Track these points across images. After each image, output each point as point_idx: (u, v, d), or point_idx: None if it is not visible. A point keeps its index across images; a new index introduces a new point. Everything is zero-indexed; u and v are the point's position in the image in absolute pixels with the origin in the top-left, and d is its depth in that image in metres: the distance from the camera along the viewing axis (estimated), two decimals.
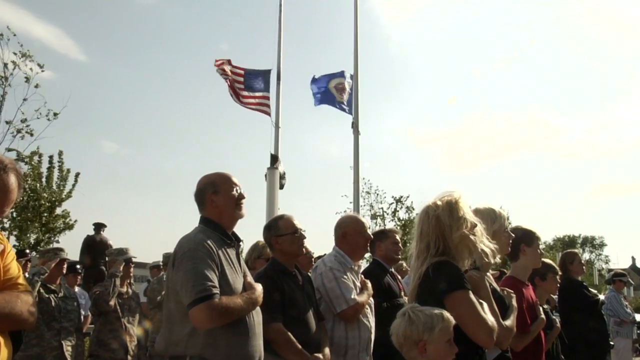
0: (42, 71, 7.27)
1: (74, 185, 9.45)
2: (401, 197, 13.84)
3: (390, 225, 13.16)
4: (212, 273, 1.57)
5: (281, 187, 6.17)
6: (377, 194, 13.94)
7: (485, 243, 1.62)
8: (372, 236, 2.63)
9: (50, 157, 9.03)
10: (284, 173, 6.31)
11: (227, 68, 6.97)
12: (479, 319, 1.46)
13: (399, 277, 3.08)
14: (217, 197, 1.78)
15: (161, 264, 5.26)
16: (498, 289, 1.88)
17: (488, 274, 1.87)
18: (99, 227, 6.79)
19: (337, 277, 2.32)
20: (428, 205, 1.63)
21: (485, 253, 1.61)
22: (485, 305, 1.55)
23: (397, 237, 2.99)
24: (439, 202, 1.61)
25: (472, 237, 1.57)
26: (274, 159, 6.48)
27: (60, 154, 9.17)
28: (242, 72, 7.09)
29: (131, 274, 3.63)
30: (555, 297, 4.15)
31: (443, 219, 1.57)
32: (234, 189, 1.81)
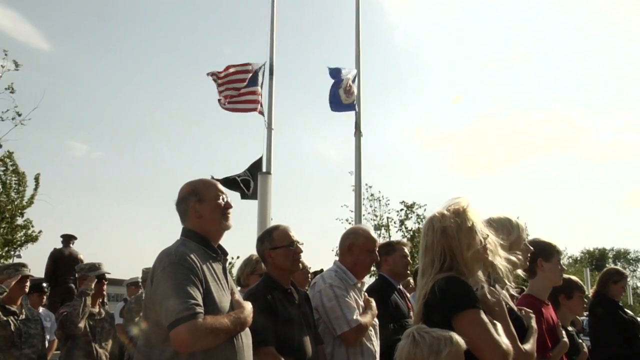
0: (17, 69, 7.30)
1: (35, 190, 9.37)
2: (413, 203, 13.78)
3: (396, 236, 13.17)
4: (196, 290, 1.59)
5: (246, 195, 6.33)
6: (380, 202, 13.94)
7: (500, 255, 1.65)
8: (378, 257, 2.66)
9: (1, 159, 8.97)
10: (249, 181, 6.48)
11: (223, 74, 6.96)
12: (491, 342, 1.48)
13: (408, 294, 3.11)
14: (201, 206, 1.80)
15: (140, 280, 5.27)
16: (515, 308, 1.91)
17: (504, 291, 1.90)
18: (67, 239, 6.79)
19: (337, 295, 2.35)
20: (433, 215, 1.66)
21: (499, 268, 1.64)
22: (499, 326, 1.57)
23: (406, 249, 3.02)
24: (445, 212, 1.63)
25: (484, 249, 1.60)
26: (258, 163, 6.56)
27: (9, 154, 9.08)
28: (241, 69, 7.08)
29: (104, 292, 3.64)
30: (582, 318, 4.16)
31: (450, 231, 1.60)
32: (220, 197, 1.84)
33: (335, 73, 7.33)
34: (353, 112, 7.47)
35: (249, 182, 6.62)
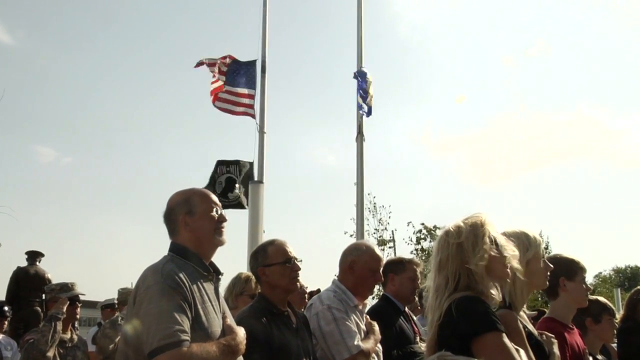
0: None
1: None
2: (435, 227, 13.98)
3: (404, 254, 13.24)
4: (182, 314, 1.61)
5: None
6: (381, 218, 14.06)
7: (522, 273, 1.69)
8: (382, 275, 2.68)
9: None
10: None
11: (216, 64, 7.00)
12: None
13: (414, 317, 3.12)
14: (192, 219, 1.83)
15: (116, 302, 5.25)
16: (535, 332, 1.94)
17: (522, 313, 1.94)
18: (33, 256, 6.77)
19: (336, 318, 2.37)
20: (448, 230, 1.71)
21: (519, 288, 1.67)
22: (522, 352, 1.60)
23: (418, 271, 3.00)
24: (462, 226, 1.68)
25: (504, 267, 1.64)
26: (250, 170, 6.63)
27: None
28: (228, 61, 7.14)
29: (77, 316, 3.64)
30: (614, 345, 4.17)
31: (466, 246, 1.64)
32: (214, 210, 1.87)
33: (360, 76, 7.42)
34: (354, 114, 7.55)
35: (234, 183, 6.67)
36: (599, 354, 2.83)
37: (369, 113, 7.41)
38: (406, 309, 2.99)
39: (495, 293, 1.68)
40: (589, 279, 2.61)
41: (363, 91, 7.25)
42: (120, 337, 1.78)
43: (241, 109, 7.07)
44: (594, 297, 2.69)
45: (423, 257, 13.29)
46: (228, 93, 7.07)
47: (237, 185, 6.69)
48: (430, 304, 1.71)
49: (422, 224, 14.36)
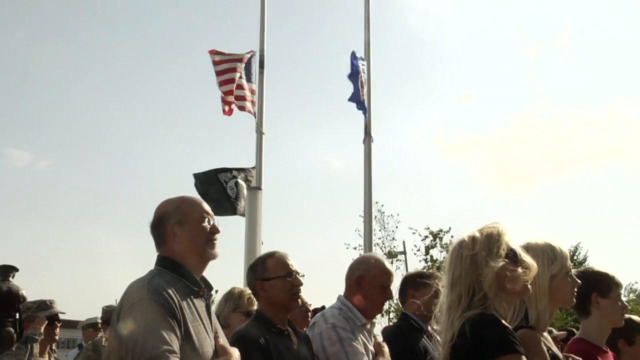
0: None
1: None
2: (440, 230, 13.92)
3: (416, 267, 13.23)
4: (171, 333, 1.62)
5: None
6: (388, 229, 14.05)
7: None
8: (392, 293, 2.69)
9: None
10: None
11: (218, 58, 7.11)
12: None
13: (439, 338, 3.12)
14: (182, 229, 1.84)
15: (99, 321, 5.26)
16: (560, 355, 1.93)
17: (545, 333, 1.93)
18: (6, 271, 6.75)
19: (342, 337, 2.37)
20: (462, 241, 1.72)
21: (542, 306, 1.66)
22: None
23: (441, 285, 3.02)
24: (476, 237, 1.69)
25: (524, 283, 1.64)
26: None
27: None
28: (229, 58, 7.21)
29: (56, 337, 3.65)
30: None
31: (480, 259, 1.65)
32: (206, 220, 1.88)
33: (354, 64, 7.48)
34: (361, 113, 7.57)
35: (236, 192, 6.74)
36: None
37: (362, 107, 7.43)
38: (429, 328, 2.98)
39: (513, 311, 1.68)
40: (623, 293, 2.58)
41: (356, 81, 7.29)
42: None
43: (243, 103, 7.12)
44: (627, 315, 2.67)
45: (435, 268, 13.29)
46: (240, 88, 7.11)
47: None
48: (442, 324, 1.72)
49: (427, 228, 14.34)
